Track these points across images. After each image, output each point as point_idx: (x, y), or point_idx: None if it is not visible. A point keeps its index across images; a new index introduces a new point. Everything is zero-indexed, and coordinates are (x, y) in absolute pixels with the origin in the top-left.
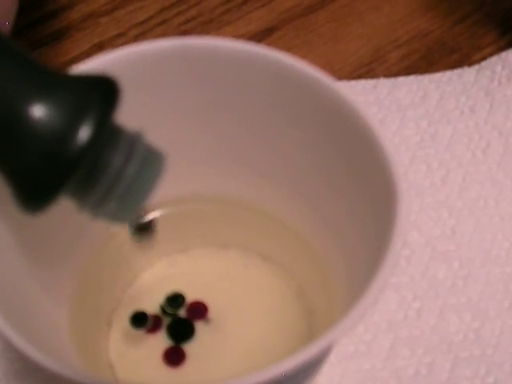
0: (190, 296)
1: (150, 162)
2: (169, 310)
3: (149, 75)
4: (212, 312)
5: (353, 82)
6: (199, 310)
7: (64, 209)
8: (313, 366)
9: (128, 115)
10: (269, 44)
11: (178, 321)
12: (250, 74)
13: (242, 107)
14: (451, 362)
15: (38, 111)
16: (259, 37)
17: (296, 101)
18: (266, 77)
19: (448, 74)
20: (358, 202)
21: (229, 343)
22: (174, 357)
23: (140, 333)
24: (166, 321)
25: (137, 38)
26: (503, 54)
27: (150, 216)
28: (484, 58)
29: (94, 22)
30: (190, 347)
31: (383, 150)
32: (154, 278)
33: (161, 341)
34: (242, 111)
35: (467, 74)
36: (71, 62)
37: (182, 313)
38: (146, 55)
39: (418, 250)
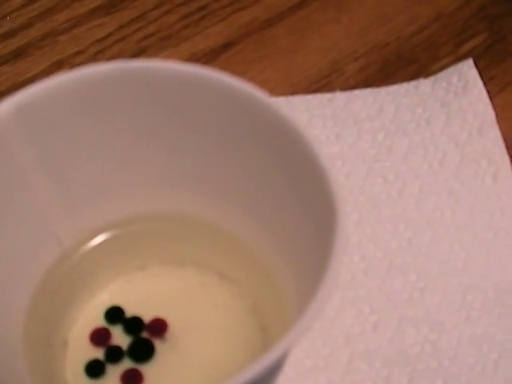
0: (148, 314)
1: None
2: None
3: (93, 99)
4: (169, 330)
5: (309, 96)
6: (159, 328)
7: (14, 228)
8: (267, 380)
9: (76, 139)
10: (227, 58)
11: (138, 341)
12: (193, 95)
13: (188, 127)
14: (408, 375)
15: None
16: (217, 51)
17: (238, 120)
18: (208, 97)
19: (404, 85)
20: (302, 220)
21: (185, 361)
22: (132, 379)
23: (98, 352)
24: (126, 341)
25: (96, 55)
26: (459, 65)
27: None
28: (442, 69)
29: (53, 40)
30: (147, 366)
31: (322, 167)
32: (111, 297)
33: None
34: (189, 131)
35: (423, 85)
36: (31, 81)
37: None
38: (87, 80)
39: (374, 262)
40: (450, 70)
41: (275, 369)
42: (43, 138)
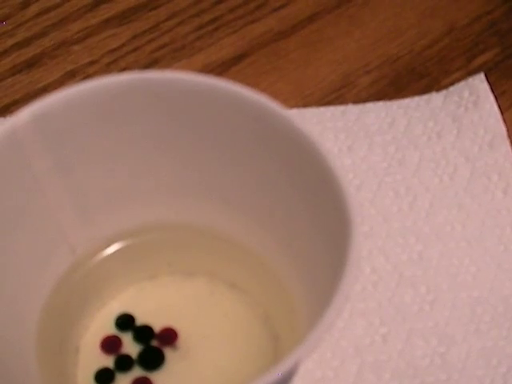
0: (158, 323)
1: None
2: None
3: (109, 109)
4: (180, 339)
5: (322, 109)
6: (169, 337)
7: (28, 236)
8: None
9: (91, 148)
10: (239, 70)
11: (148, 349)
12: (207, 105)
13: (201, 137)
14: None
15: None
16: (230, 63)
17: (252, 130)
18: (221, 108)
19: (416, 99)
20: (314, 231)
21: (196, 370)
22: None
23: (108, 360)
24: (136, 349)
25: (109, 66)
26: (470, 80)
27: None
28: (453, 83)
29: (67, 49)
30: (157, 375)
31: (337, 179)
32: (123, 306)
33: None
34: (202, 141)
35: (435, 99)
36: (44, 90)
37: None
38: (103, 90)
39: (385, 275)
40: (462, 84)
41: (285, 381)
42: (59, 148)
